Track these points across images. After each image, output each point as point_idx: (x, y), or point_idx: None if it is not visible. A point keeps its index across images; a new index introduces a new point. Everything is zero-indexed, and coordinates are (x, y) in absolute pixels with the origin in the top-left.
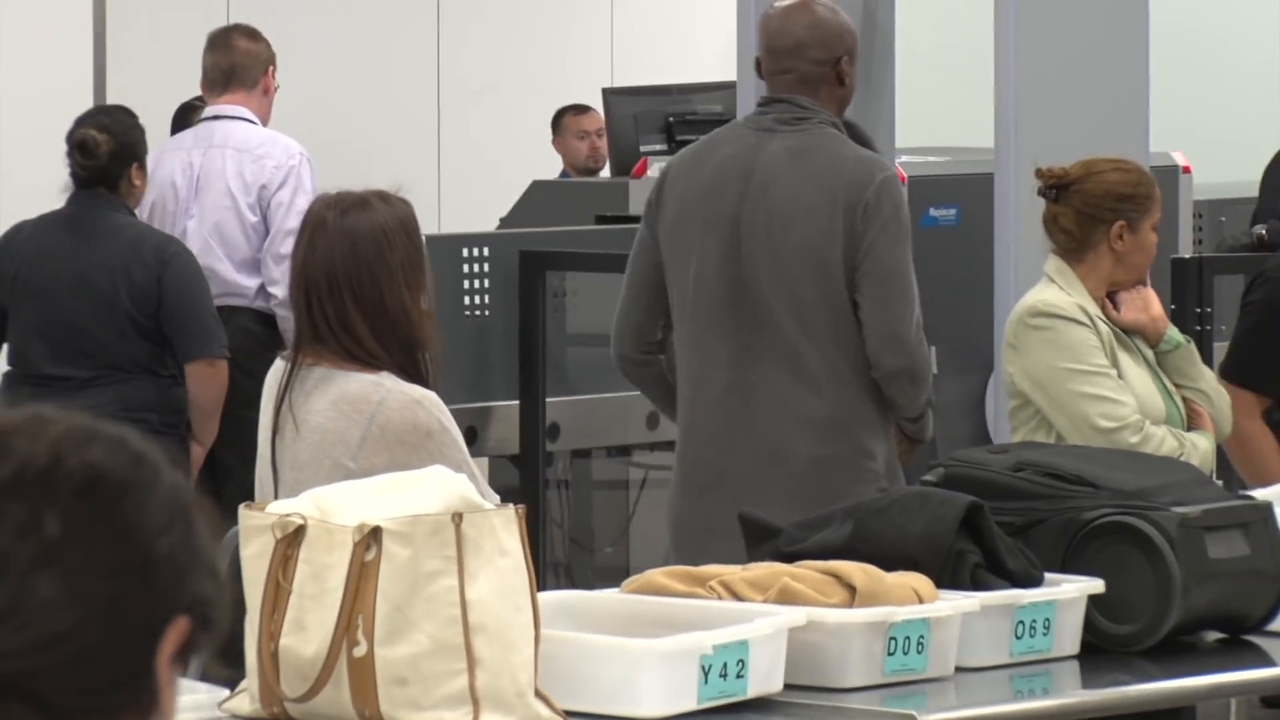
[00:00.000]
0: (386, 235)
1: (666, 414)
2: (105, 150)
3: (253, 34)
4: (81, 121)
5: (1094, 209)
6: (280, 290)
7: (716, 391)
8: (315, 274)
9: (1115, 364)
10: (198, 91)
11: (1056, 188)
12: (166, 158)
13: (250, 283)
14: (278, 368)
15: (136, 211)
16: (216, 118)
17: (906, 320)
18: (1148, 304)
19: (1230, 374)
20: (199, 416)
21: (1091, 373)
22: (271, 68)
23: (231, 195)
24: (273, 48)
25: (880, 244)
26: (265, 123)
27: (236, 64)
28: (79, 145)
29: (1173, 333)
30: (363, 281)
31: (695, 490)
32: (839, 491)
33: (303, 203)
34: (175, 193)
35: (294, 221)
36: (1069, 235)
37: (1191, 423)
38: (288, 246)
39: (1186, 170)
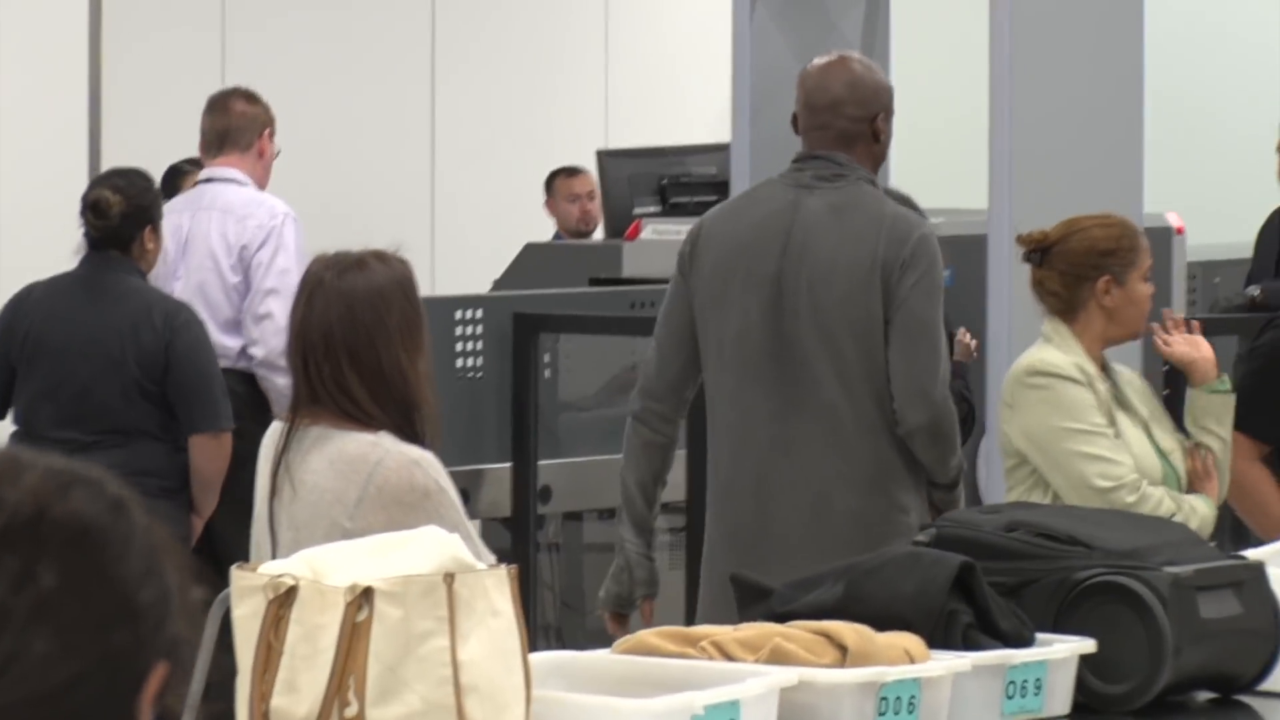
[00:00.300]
0: (383, 296)
1: (644, 487)
2: (118, 211)
3: (250, 97)
4: (96, 183)
5: (1077, 268)
6: (259, 350)
7: (759, 445)
8: (312, 335)
9: (1113, 423)
10: (191, 152)
11: (1039, 251)
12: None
13: (233, 343)
14: (275, 429)
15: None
16: (209, 180)
17: (933, 375)
18: (1197, 343)
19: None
20: (200, 487)
21: (1089, 432)
22: (268, 131)
23: (214, 256)
24: (272, 111)
25: (913, 299)
26: (261, 185)
27: (231, 127)
28: (92, 206)
29: (1225, 376)
30: (359, 343)
31: (743, 547)
32: (876, 545)
33: (283, 262)
34: (165, 255)
35: (273, 281)
36: (1057, 297)
37: (1194, 484)
38: (266, 306)
39: (1180, 231)
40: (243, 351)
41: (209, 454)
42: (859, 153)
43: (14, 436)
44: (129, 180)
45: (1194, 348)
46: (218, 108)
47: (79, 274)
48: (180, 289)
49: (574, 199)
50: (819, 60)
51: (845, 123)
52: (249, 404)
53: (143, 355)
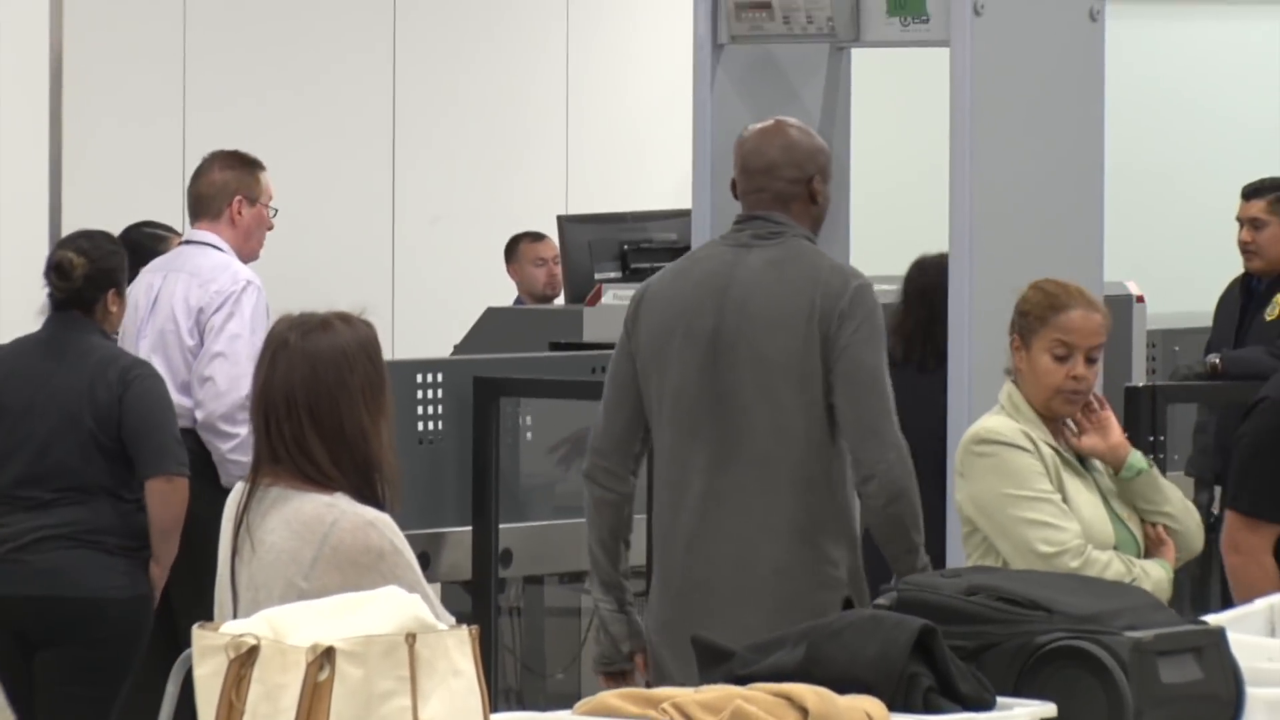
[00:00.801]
0: (347, 357)
1: (604, 545)
2: (80, 273)
3: (228, 163)
4: (62, 244)
5: (1011, 326)
6: (200, 413)
7: (693, 498)
8: (275, 395)
9: (1061, 489)
10: (149, 213)
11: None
12: (140, 279)
13: (190, 404)
14: (238, 490)
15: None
16: (188, 242)
17: (884, 416)
18: (1106, 431)
19: (1245, 508)
20: (157, 535)
21: (1032, 498)
22: (239, 199)
23: (175, 318)
24: (253, 176)
25: (854, 346)
26: (241, 251)
27: (201, 194)
28: (56, 267)
29: (1134, 458)
30: (321, 403)
31: (673, 596)
32: (803, 598)
33: (235, 328)
34: (135, 314)
35: (221, 345)
36: (1013, 354)
37: (1151, 550)
38: (211, 369)
39: (1140, 300)
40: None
41: (163, 498)
42: (796, 212)
43: None
44: (94, 243)
45: (1102, 436)
46: (197, 173)
47: (41, 335)
48: (145, 347)
49: (540, 263)
50: (755, 126)
51: (782, 184)
52: (208, 463)
53: (98, 410)
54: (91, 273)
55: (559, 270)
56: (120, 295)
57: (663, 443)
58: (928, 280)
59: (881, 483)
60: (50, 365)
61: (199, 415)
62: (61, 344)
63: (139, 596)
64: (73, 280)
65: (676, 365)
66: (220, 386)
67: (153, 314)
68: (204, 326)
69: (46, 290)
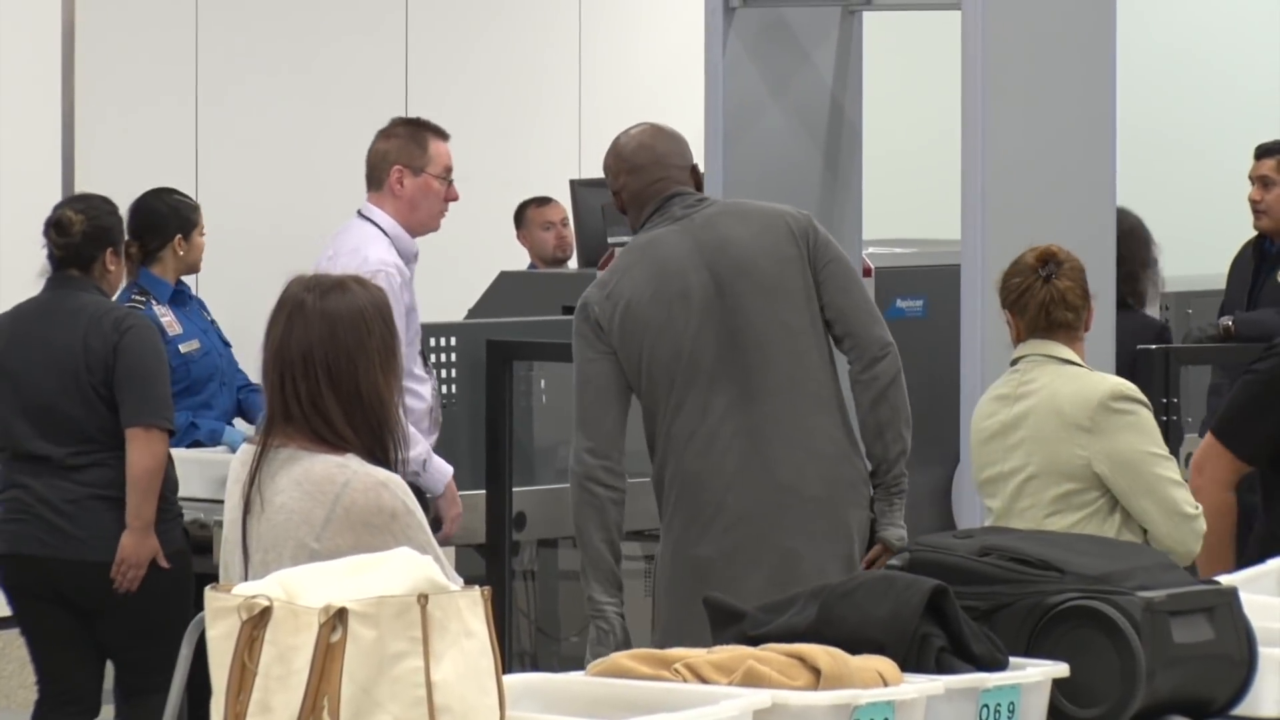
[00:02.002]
0: (365, 319)
1: (611, 543)
2: (79, 230)
3: (392, 130)
4: (59, 205)
5: (1084, 283)
6: None
7: (725, 439)
8: (291, 354)
9: None
10: (165, 182)
11: (1050, 262)
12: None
13: None
14: (244, 450)
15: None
16: (359, 214)
17: (873, 306)
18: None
19: (1223, 437)
20: (130, 486)
21: (1168, 459)
22: (399, 169)
23: None
24: (417, 143)
25: (831, 248)
26: (409, 223)
27: (368, 163)
28: (54, 224)
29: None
30: (339, 364)
31: (718, 531)
32: (844, 517)
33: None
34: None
35: None
36: (1075, 313)
37: None
38: None
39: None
40: None
41: (139, 448)
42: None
43: (3, 456)
44: (90, 203)
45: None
46: (374, 139)
47: (40, 297)
48: None
49: (548, 227)
50: (624, 133)
51: (675, 170)
52: None
53: (93, 361)
54: (90, 230)
55: (569, 233)
56: (118, 256)
57: (678, 403)
58: (1120, 228)
59: (890, 360)
60: (47, 324)
61: None
62: (59, 302)
63: (177, 552)
64: (71, 236)
65: (677, 330)
66: None
67: None
68: None
69: (46, 251)
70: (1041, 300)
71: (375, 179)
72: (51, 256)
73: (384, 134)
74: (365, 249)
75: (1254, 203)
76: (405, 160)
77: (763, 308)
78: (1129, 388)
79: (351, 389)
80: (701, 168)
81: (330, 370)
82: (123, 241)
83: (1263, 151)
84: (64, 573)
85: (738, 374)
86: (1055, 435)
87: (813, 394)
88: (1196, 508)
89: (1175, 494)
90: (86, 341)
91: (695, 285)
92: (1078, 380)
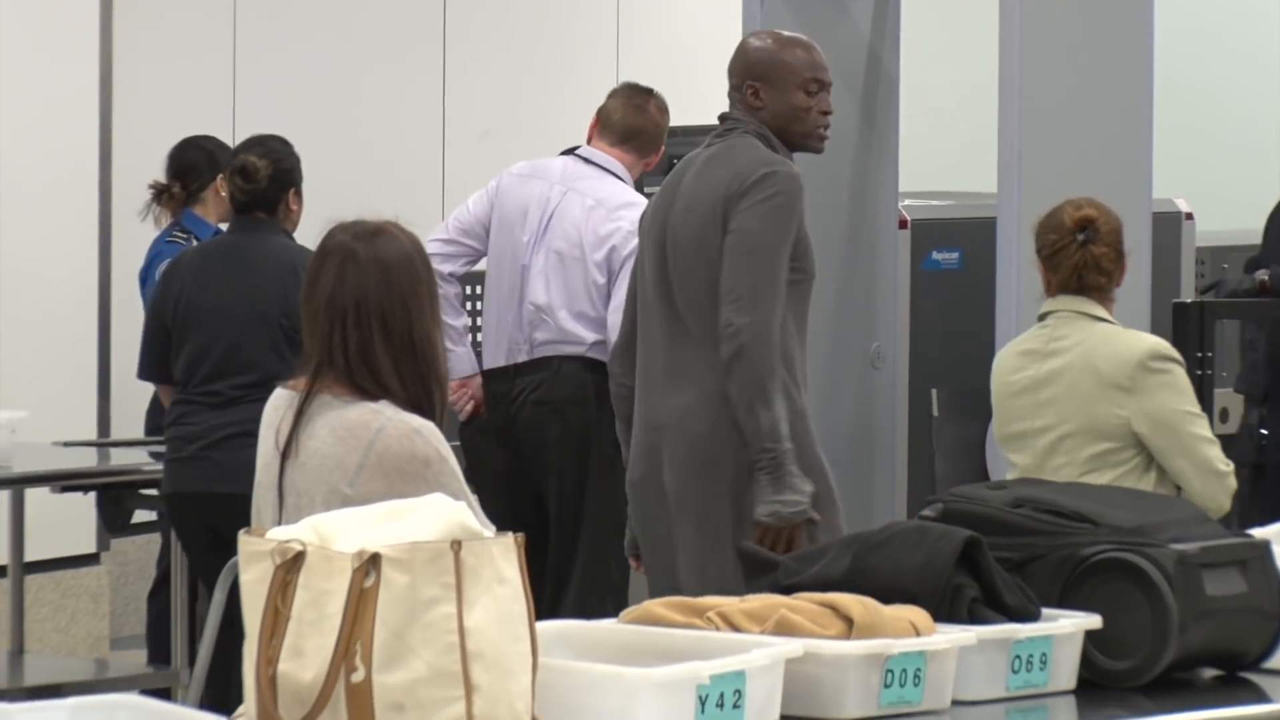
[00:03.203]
0: (414, 265)
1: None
2: (264, 175)
3: (664, 109)
4: (241, 149)
5: (1119, 245)
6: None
7: (655, 376)
8: (344, 301)
9: None
10: (202, 128)
11: (1088, 228)
12: (526, 185)
13: (589, 336)
14: (278, 395)
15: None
16: (590, 161)
17: (758, 284)
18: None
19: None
20: None
21: (1202, 417)
22: (660, 152)
23: (580, 245)
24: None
25: (742, 216)
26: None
27: (638, 127)
28: (240, 170)
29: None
30: (394, 310)
31: (635, 460)
32: (728, 458)
33: None
34: (524, 221)
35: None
36: (1109, 277)
37: None
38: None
39: (1189, 217)
40: (597, 343)
41: None
42: (744, 114)
43: (177, 391)
44: (270, 147)
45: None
46: (636, 101)
47: (227, 238)
48: (537, 264)
49: None
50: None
51: (732, 90)
52: (600, 394)
53: (288, 306)
54: (274, 174)
55: None
56: (299, 195)
57: (640, 332)
58: None
59: (727, 342)
60: (236, 266)
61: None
62: (247, 246)
63: None
64: (258, 182)
65: (643, 260)
66: None
67: (546, 232)
68: (615, 268)
69: (229, 195)
70: (1075, 263)
71: (637, 142)
72: (235, 200)
73: (660, 110)
74: (637, 202)
75: None
76: (660, 146)
77: (679, 263)
78: (1165, 346)
79: (404, 335)
80: None
81: (385, 318)
82: (302, 181)
83: None
84: (217, 506)
85: (668, 318)
86: (1092, 394)
87: (710, 348)
88: (1228, 465)
89: (1209, 452)
90: (281, 286)
91: (656, 223)
92: (1114, 339)
